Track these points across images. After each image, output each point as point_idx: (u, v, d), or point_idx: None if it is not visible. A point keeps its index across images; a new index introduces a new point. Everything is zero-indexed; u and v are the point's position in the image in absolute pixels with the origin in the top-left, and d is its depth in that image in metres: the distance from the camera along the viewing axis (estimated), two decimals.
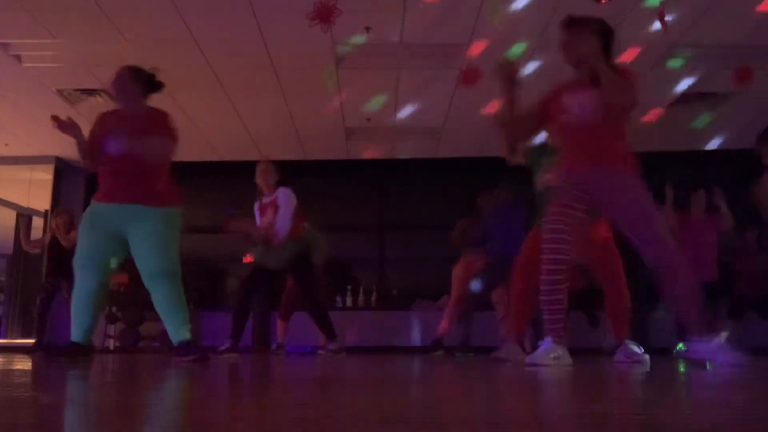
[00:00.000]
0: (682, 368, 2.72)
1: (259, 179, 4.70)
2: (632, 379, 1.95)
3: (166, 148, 3.24)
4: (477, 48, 5.37)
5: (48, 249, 6.18)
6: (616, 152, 2.76)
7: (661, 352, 5.52)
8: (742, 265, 5.97)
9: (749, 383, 1.76)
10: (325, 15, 4.25)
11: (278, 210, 4.56)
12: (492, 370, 2.58)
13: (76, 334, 3.15)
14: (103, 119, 3.35)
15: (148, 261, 3.11)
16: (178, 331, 3.14)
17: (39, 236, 7.43)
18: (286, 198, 4.60)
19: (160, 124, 3.26)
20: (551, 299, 2.72)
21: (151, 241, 3.12)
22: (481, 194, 5.50)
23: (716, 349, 2.54)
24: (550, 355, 2.64)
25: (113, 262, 3.25)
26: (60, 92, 6.23)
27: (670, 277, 2.56)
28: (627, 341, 3.58)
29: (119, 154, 3.17)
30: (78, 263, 3.17)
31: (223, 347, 4.34)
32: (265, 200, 4.70)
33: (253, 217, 4.81)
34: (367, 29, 5.06)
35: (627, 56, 5.48)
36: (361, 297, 8.03)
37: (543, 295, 2.75)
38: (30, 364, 3.12)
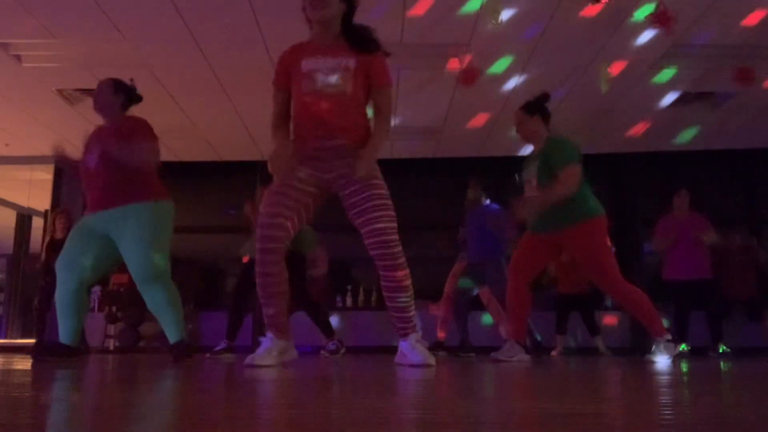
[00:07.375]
0: (684, 368, 2.73)
1: None
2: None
3: (148, 150, 3.25)
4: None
5: (46, 248, 6.11)
6: None
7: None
8: (723, 268, 5.99)
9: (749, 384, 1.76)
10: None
11: None
12: (492, 370, 2.58)
13: (63, 336, 3.25)
14: (91, 135, 3.42)
15: (136, 268, 3.15)
16: (171, 332, 3.21)
17: (39, 237, 7.41)
18: None
19: (138, 130, 3.28)
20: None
21: (137, 246, 3.13)
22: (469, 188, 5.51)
23: (409, 350, 2.62)
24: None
25: (94, 264, 3.26)
26: (60, 92, 6.23)
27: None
28: (659, 337, 3.55)
29: (95, 166, 3.24)
30: (58, 264, 3.24)
31: (219, 347, 4.35)
32: None
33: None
34: None
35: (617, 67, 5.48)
36: (361, 297, 8.02)
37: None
38: (30, 364, 3.12)
